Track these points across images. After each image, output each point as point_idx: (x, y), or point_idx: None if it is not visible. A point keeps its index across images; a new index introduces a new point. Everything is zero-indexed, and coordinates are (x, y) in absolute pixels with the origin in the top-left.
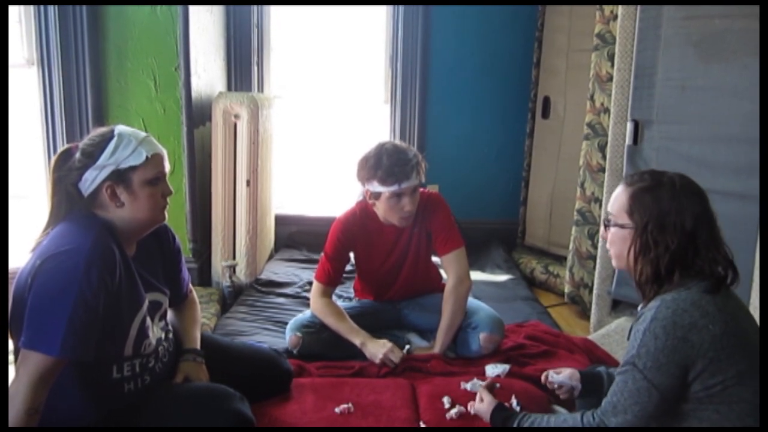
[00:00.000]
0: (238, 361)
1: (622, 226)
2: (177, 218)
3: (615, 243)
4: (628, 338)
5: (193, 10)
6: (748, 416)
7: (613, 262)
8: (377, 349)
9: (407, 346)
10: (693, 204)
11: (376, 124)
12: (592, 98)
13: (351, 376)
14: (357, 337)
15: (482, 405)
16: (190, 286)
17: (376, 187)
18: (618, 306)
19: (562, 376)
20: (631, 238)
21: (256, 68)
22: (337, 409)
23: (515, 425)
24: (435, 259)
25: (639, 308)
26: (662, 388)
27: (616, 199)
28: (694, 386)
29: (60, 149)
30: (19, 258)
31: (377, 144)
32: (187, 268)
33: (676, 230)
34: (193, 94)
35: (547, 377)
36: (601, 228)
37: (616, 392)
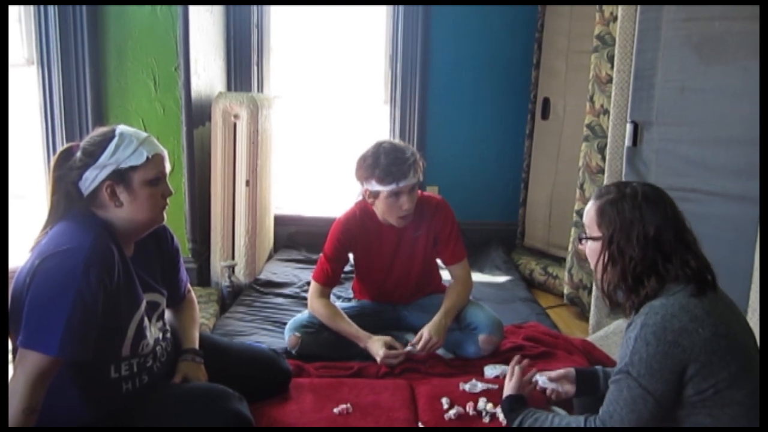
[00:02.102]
0: (236, 361)
1: (594, 239)
2: (176, 218)
3: (590, 256)
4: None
5: (193, 10)
6: (742, 417)
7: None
8: (377, 348)
9: (408, 348)
10: (655, 212)
11: (375, 125)
12: (591, 100)
13: (350, 377)
14: (356, 336)
15: (507, 383)
16: (189, 286)
17: (374, 186)
18: (617, 307)
19: (552, 383)
20: (600, 250)
21: (255, 68)
22: (335, 410)
23: (518, 421)
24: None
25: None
26: (657, 395)
27: (587, 213)
28: (687, 391)
29: (61, 148)
30: (18, 257)
31: (375, 143)
32: (185, 268)
33: (640, 239)
34: (193, 94)
35: (536, 382)
36: (578, 242)
37: (612, 401)
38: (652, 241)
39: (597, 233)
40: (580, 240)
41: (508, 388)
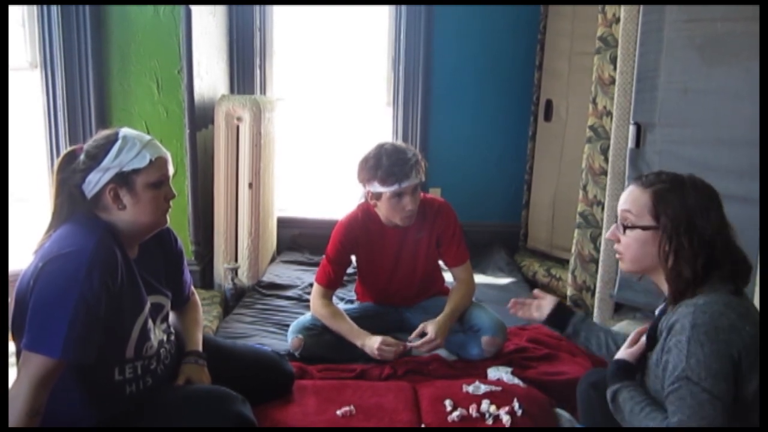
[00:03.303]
0: (239, 364)
1: (644, 228)
2: (179, 221)
3: (632, 246)
4: (648, 345)
5: (196, 12)
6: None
7: (625, 266)
8: (374, 341)
9: (409, 344)
10: (714, 204)
11: (378, 127)
12: (594, 101)
13: (353, 379)
14: (357, 337)
15: (623, 349)
16: (192, 288)
17: (376, 187)
18: (620, 309)
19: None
20: (658, 240)
21: (258, 71)
22: (338, 412)
23: (615, 388)
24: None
25: (657, 311)
26: (723, 396)
27: (636, 201)
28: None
29: (64, 151)
30: (21, 260)
31: (377, 145)
32: (189, 270)
33: (706, 229)
34: (196, 97)
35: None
36: (610, 230)
37: (677, 412)
38: (717, 232)
39: (651, 222)
40: (624, 228)
41: (622, 352)
